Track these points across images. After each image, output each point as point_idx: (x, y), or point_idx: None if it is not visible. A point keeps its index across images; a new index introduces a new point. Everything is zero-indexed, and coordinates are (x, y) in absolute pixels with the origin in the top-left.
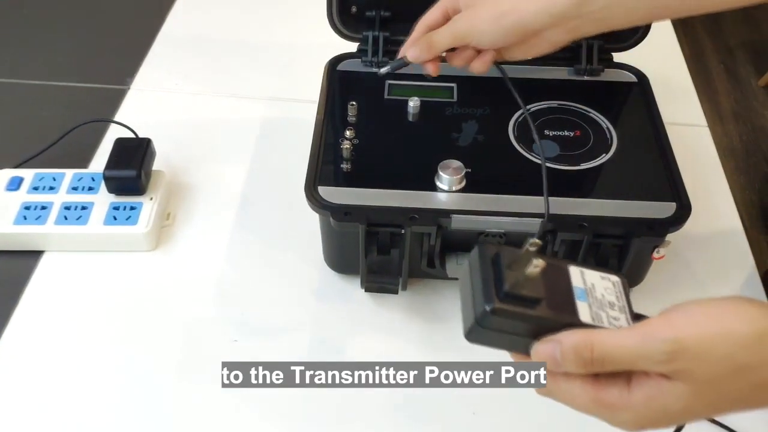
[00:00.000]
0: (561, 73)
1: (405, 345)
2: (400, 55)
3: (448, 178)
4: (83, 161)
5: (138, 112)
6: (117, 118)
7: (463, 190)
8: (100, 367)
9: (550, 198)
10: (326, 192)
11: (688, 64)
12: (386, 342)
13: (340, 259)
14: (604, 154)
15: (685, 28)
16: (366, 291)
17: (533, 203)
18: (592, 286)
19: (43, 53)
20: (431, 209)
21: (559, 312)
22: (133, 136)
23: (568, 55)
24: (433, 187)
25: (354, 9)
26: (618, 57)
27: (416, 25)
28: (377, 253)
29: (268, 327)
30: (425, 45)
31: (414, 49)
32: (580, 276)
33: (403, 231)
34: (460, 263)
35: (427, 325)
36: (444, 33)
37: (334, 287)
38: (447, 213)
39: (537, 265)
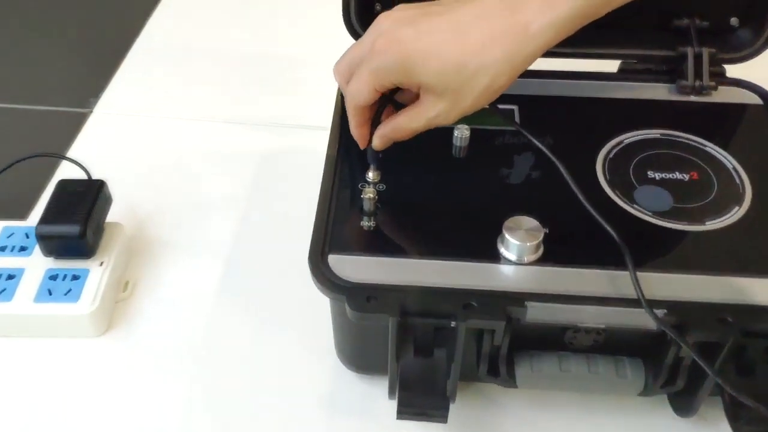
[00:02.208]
0: (660, 91)
1: None
2: (361, 145)
3: (519, 244)
4: (21, 210)
5: (100, 142)
6: (72, 150)
7: (540, 261)
8: None
9: (665, 274)
10: (340, 263)
11: None
12: None
13: (359, 356)
14: (735, 207)
15: None
16: (399, 419)
17: (642, 280)
18: None
19: None
20: (495, 292)
21: None
22: (84, 176)
23: (667, 67)
24: (496, 257)
25: (378, 7)
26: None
27: (350, 109)
28: (415, 354)
29: None
30: (392, 136)
31: (380, 141)
32: None
33: (453, 324)
34: (536, 369)
35: None
36: (419, 124)
37: (352, 392)
38: (520, 298)
39: None
